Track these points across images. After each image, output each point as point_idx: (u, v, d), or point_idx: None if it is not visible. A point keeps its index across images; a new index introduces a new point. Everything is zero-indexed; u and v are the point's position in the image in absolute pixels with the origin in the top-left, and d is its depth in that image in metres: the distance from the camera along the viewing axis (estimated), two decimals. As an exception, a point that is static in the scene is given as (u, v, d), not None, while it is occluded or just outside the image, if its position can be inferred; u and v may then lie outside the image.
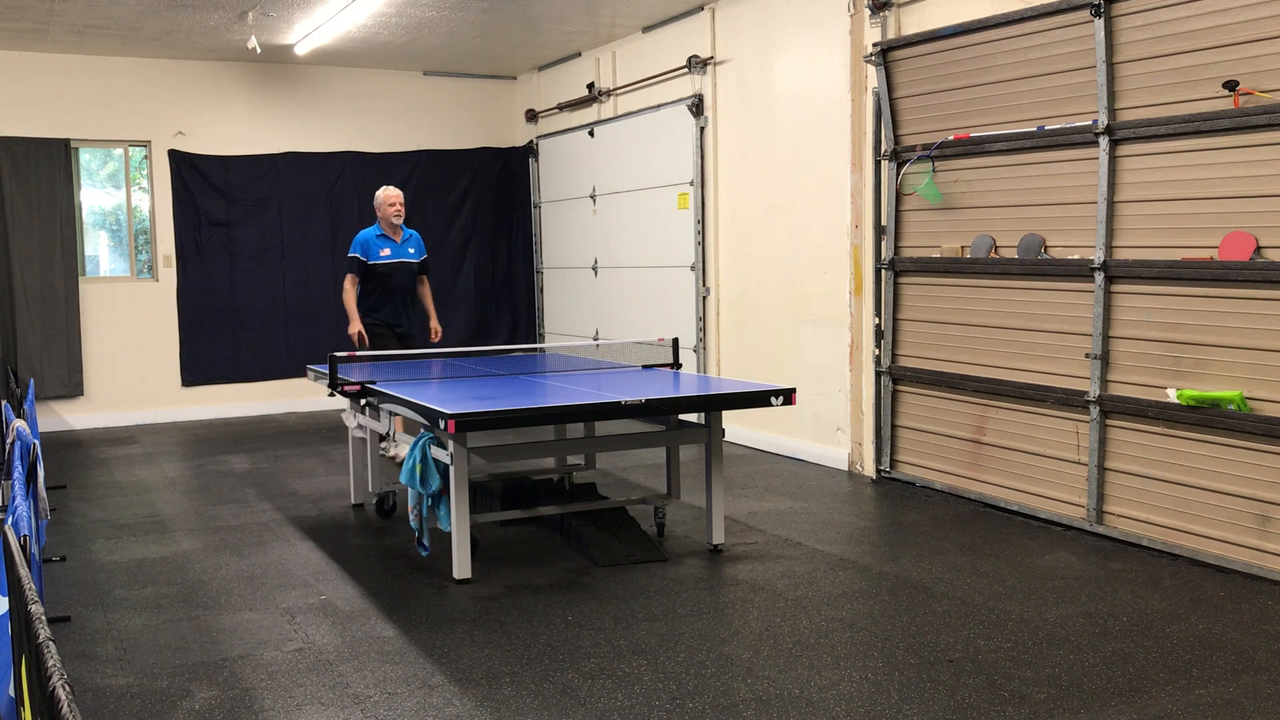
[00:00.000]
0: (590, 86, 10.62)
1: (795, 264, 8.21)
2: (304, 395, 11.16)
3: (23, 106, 10.21)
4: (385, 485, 6.77)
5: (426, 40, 10.14)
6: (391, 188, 8.21)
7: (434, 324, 8.42)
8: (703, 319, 9.27)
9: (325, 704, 3.90)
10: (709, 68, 9.01)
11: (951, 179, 6.74)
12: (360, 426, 6.64)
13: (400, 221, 8.12)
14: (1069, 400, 6.02)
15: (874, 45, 7.13)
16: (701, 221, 9.20)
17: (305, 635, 4.60)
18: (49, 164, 10.31)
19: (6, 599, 2.93)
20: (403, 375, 6.54)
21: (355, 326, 8.02)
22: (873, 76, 7.23)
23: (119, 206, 11.03)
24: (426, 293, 8.43)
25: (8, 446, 4.75)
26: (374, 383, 6.03)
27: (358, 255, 8.07)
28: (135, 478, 8.07)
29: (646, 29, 9.79)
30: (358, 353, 7.21)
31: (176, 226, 10.85)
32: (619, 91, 10.31)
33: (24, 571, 2.68)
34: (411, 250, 8.23)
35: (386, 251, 8.10)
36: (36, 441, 5.04)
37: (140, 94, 10.66)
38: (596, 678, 4.08)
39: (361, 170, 11.47)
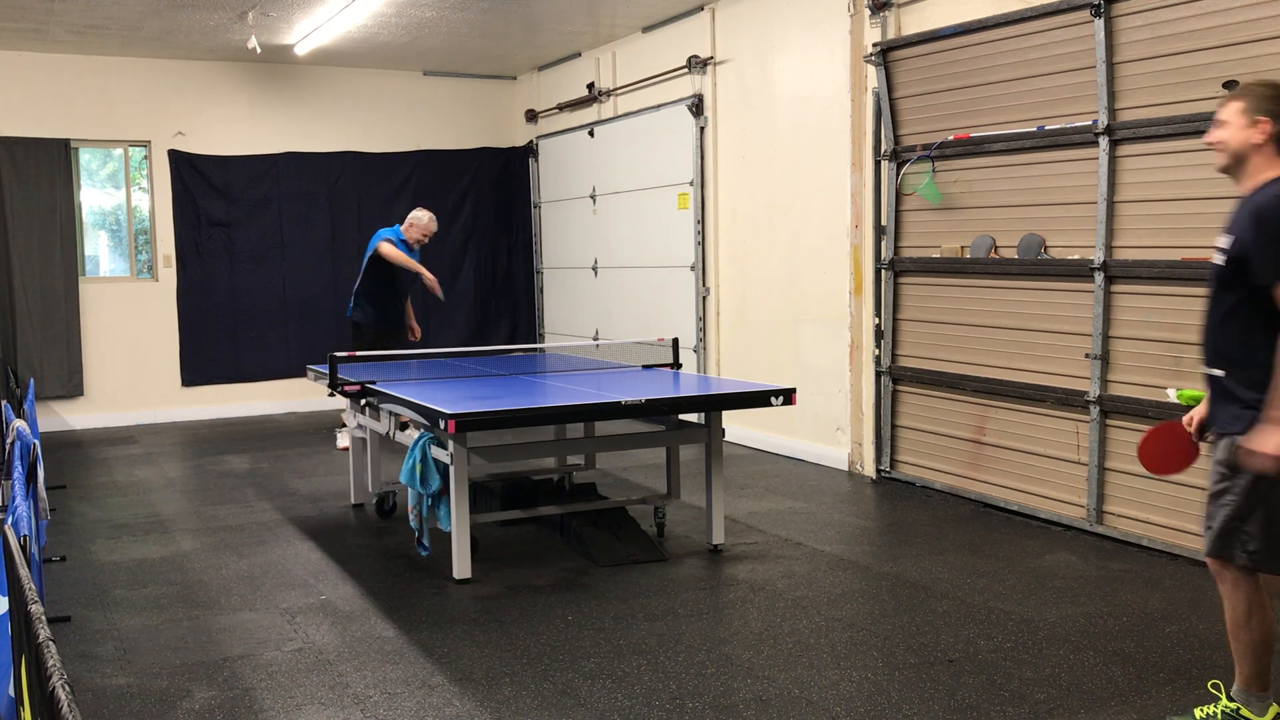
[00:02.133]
0: (590, 86, 10.62)
1: (795, 264, 8.21)
2: (304, 395, 11.15)
3: (23, 106, 10.21)
4: (385, 485, 6.77)
5: (426, 40, 10.14)
6: (431, 218, 8.53)
7: (413, 323, 8.96)
8: (703, 319, 9.27)
9: (325, 704, 3.90)
10: (709, 68, 9.01)
11: (951, 179, 6.74)
12: (360, 427, 6.64)
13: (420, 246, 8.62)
14: (1069, 400, 6.02)
15: (874, 45, 7.13)
16: (701, 221, 9.20)
17: (305, 635, 4.60)
18: (49, 164, 10.30)
19: (6, 599, 2.93)
20: (403, 375, 6.54)
21: (429, 275, 8.21)
22: (873, 76, 7.23)
23: (119, 206, 11.03)
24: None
25: (8, 446, 4.75)
26: (374, 383, 6.03)
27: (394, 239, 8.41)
28: (135, 478, 8.07)
29: (646, 29, 9.79)
30: (357, 353, 7.21)
31: (176, 226, 10.85)
32: (619, 91, 10.31)
33: (24, 571, 2.68)
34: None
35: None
36: (36, 441, 5.04)
37: (140, 94, 10.66)
38: (596, 678, 4.08)
39: (361, 170, 11.48)
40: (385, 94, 11.66)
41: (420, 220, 8.49)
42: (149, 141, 10.78)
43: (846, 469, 7.73)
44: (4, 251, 10.19)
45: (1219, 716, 3.55)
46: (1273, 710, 3.53)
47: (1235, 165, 3.49)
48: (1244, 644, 3.50)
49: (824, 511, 6.64)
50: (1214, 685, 3.79)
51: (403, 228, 8.46)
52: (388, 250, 8.18)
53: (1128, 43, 5.63)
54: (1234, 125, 3.46)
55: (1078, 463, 6.02)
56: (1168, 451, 3.84)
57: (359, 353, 7.26)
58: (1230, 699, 3.57)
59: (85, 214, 10.83)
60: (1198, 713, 3.61)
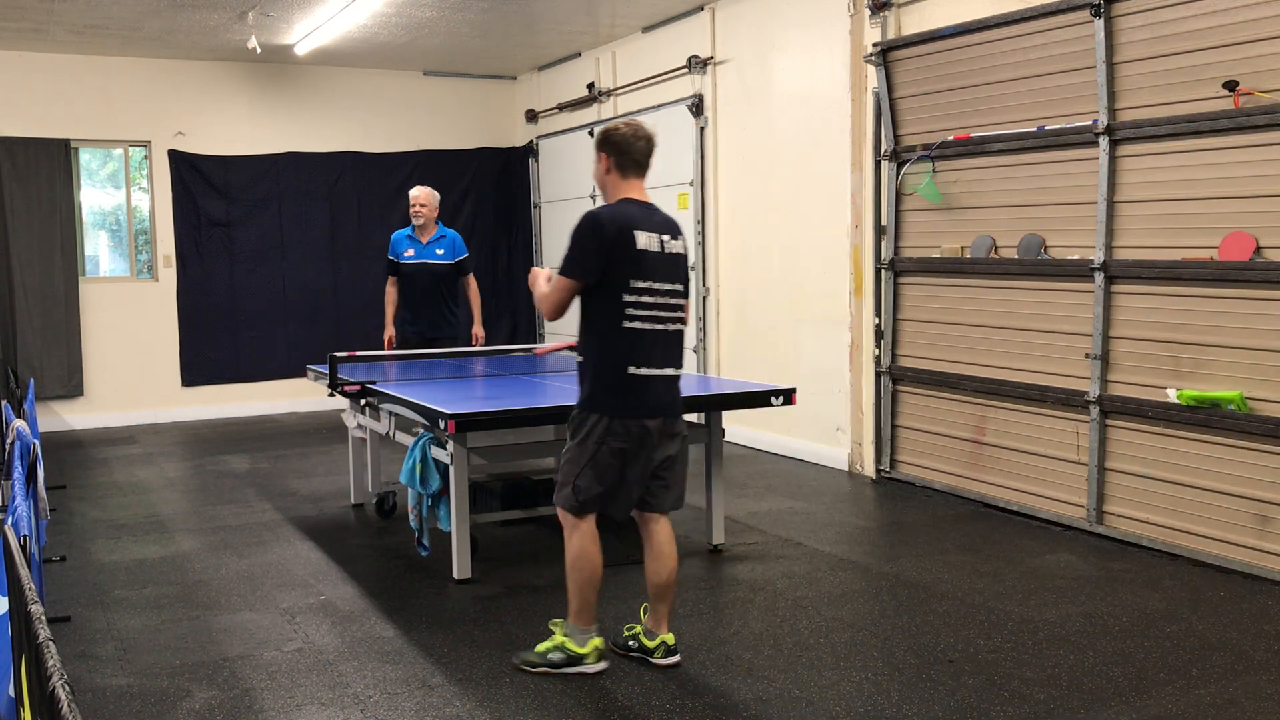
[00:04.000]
0: (590, 86, 10.62)
1: (795, 264, 8.21)
2: (304, 395, 11.15)
3: (23, 106, 10.21)
4: (385, 485, 6.76)
5: (426, 40, 10.14)
6: (417, 188, 7.91)
7: (476, 328, 8.09)
8: (703, 319, 9.27)
9: (325, 704, 3.90)
10: (709, 68, 9.01)
11: (951, 179, 6.74)
12: (360, 426, 6.63)
13: (421, 221, 7.79)
14: (1069, 400, 6.01)
15: (874, 45, 7.13)
16: (701, 221, 9.20)
17: (305, 635, 4.60)
18: (49, 164, 10.30)
19: (6, 599, 2.93)
20: (403, 375, 6.54)
21: (387, 332, 7.96)
22: (873, 76, 7.23)
23: (119, 206, 11.03)
24: (472, 295, 8.07)
25: (8, 446, 4.75)
26: (374, 383, 6.03)
27: (390, 256, 7.89)
28: (135, 478, 8.07)
29: (646, 29, 9.79)
30: (358, 352, 7.20)
31: (176, 226, 10.85)
32: (619, 91, 10.31)
33: (24, 571, 2.68)
34: (440, 252, 7.85)
35: (410, 252, 7.83)
36: (36, 441, 5.04)
37: (140, 94, 10.66)
38: (596, 678, 4.08)
39: (361, 170, 11.47)
40: (385, 94, 11.66)
41: (413, 202, 7.78)
42: (149, 141, 10.78)
43: (846, 469, 7.73)
44: (4, 251, 10.19)
45: (551, 649, 4.12)
46: (593, 643, 4.12)
47: (605, 193, 4.20)
48: (573, 582, 4.11)
49: (824, 511, 6.63)
50: (553, 623, 4.25)
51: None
52: (386, 292, 7.95)
53: (1128, 43, 5.63)
54: (595, 164, 4.19)
55: (1078, 463, 6.02)
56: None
57: (359, 353, 7.25)
58: (564, 633, 4.13)
59: (85, 214, 10.83)
60: (539, 647, 4.15)
